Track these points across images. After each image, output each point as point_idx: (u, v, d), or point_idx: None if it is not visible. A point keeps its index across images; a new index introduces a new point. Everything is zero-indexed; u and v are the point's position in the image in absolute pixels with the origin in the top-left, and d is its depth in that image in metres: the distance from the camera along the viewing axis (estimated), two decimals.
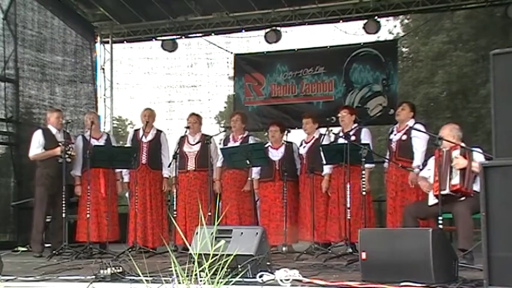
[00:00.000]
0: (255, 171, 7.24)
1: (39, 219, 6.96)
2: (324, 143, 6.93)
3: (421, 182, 5.74)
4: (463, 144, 5.35)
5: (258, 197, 7.42)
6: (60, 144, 6.86)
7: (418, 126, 6.21)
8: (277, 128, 7.32)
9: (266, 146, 7.35)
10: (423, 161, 6.12)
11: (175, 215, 7.00)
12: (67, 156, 6.76)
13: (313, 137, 7.19)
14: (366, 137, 6.70)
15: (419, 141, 6.25)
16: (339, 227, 6.65)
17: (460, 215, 5.16)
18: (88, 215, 6.76)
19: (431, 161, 5.60)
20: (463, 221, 5.13)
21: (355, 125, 6.88)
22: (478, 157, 5.17)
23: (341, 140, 6.73)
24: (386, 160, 6.58)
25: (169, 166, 7.09)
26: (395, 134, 6.53)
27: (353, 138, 6.56)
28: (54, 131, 7.09)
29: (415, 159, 6.25)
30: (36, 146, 7.00)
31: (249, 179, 7.18)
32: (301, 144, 7.29)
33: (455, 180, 5.18)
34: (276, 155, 7.22)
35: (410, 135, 6.32)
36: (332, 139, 7.22)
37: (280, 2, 9.62)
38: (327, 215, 6.95)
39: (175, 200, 7.22)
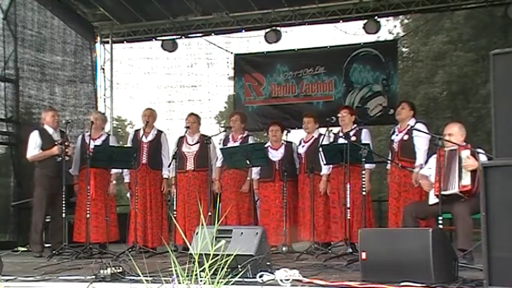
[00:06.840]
0: (255, 171, 7.23)
1: (38, 220, 6.93)
2: (323, 143, 6.93)
3: (422, 180, 5.74)
4: (467, 145, 5.34)
5: (258, 197, 7.42)
6: (56, 143, 6.85)
7: (419, 125, 6.21)
8: (278, 128, 7.33)
9: (266, 146, 7.35)
10: (425, 159, 6.11)
11: (175, 215, 7.00)
12: (65, 155, 6.75)
13: (313, 136, 7.19)
14: (366, 137, 6.71)
15: (421, 140, 6.24)
16: (342, 227, 6.65)
17: (459, 215, 5.16)
18: (88, 215, 6.76)
19: (432, 160, 5.59)
20: (462, 221, 5.13)
21: (355, 125, 6.90)
22: (482, 158, 5.16)
23: (341, 140, 6.72)
24: (387, 161, 6.58)
25: (168, 166, 7.10)
26: (397, 135, 6.53)
27: (353, 138, 6.57)
28: (50, 130, 7.05)
29: (417, 158, 6.24)
30: (33, 147, 6.97)
31: (248, 179, 7.17)
32: (299, 144, 7.29)
33: (466, 181, 5.17)
34: (275, 155, 7.21)
35: (412, 134, 6.32)
36: (332, 139, 7.21)
37: (280, 2, 9.61)
38: (326, 215, 6.95)
39: (175, 200, 7.22)
